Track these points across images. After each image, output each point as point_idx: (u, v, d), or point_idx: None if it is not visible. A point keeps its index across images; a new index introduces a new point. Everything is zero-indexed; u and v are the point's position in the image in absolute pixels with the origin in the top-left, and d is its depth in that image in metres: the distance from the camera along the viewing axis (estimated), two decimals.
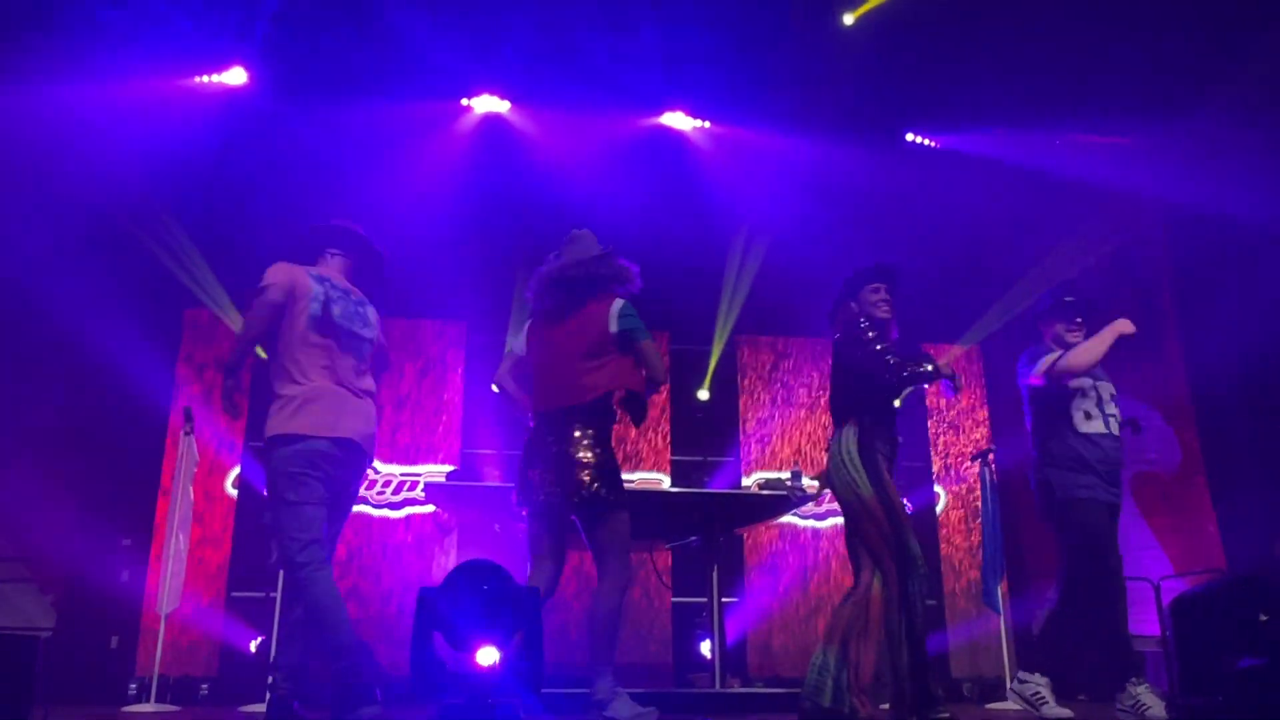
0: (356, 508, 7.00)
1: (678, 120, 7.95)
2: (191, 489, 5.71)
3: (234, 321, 6.99)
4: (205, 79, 7.24)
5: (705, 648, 6.36)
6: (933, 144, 8.22)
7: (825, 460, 3.81)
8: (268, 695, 3.55)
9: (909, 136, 8.21)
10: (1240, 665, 2.58)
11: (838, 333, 3.90)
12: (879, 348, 3.65)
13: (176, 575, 5.42)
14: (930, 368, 3.61)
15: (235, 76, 7.25)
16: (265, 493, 3.55)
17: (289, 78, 7.26)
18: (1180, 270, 8.70)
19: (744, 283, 7.79)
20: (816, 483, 4.42)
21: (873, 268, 3.93)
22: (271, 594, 5.52)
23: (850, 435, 3.69)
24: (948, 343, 8.11)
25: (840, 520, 4.03)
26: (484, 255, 7.22)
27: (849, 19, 7.15)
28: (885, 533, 3.55)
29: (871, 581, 3.57)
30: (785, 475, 5.76)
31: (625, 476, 7.35)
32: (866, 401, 3.72)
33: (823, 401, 7.67)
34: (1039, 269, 8.14)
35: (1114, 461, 4.22)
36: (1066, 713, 3.95)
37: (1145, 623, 7.41)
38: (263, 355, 3.79)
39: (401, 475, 7.18)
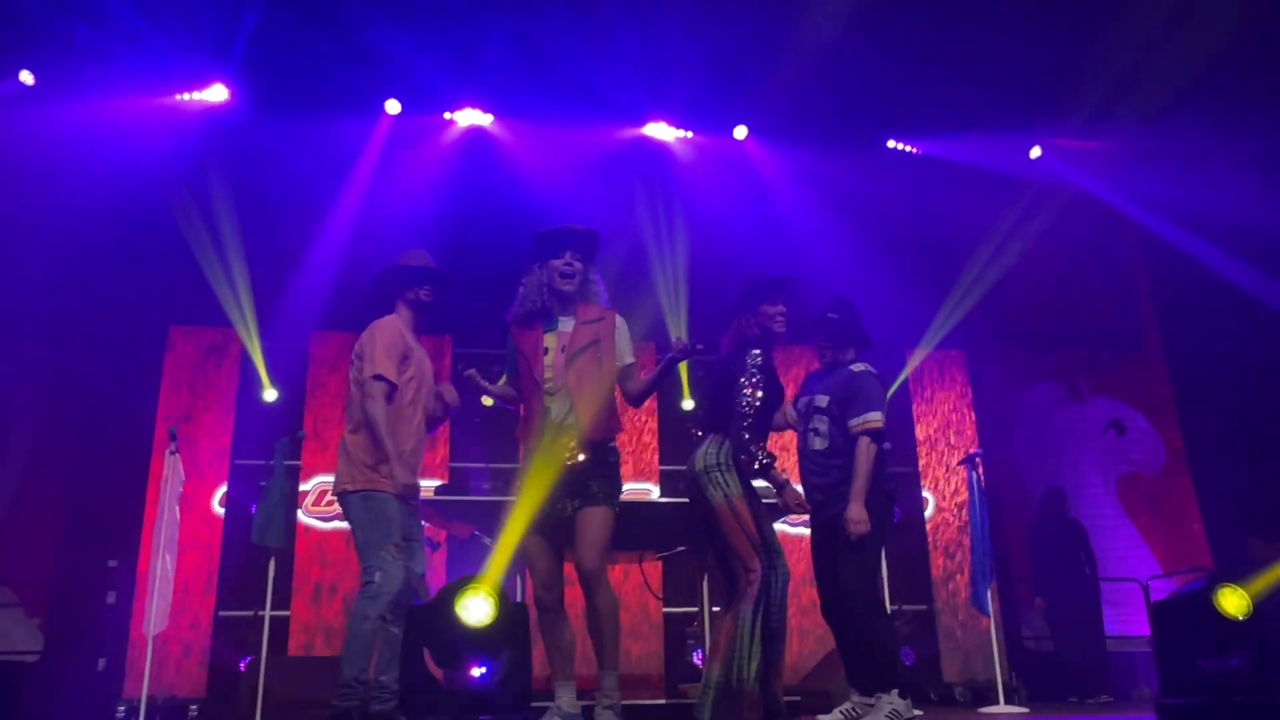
0: (342, 524, 7.00)
1: (660, 131, 7.97)
2: (177, 508, 5.66)
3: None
4: (186, 96, 7.23)
5: (697, 657, 6.35)
6: (914, 150, 8.26)
7: (690, 465, 3.80)
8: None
9: (890, 143, 8.25)
10: (1220, 666, 2.61)
11: (731, 343, 3.90)
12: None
13: (163, 596, 5.37)
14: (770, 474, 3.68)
15: (216, 94, 7.24)
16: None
17: (270, 94, 7.25)
18: (1159, 271, 8.78)
19: (725, 292, 7.79)
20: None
21: (773, 281, 3.97)
22: (260, 613, 5.49)
23: (727, 447, 3.71)
24: (930, 347, 8.13)
25: None
26: (469, 268, 7.22)
27: (827, 26, 7.19)
28: (751, 534, 3.62)
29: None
30: None
31: None
32: (751, 427, 3.72)
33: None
34: (1021, 272, 8.19)
35: (803, 476, 4.32)
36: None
37: (1135, 623, 7.45)
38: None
39: None
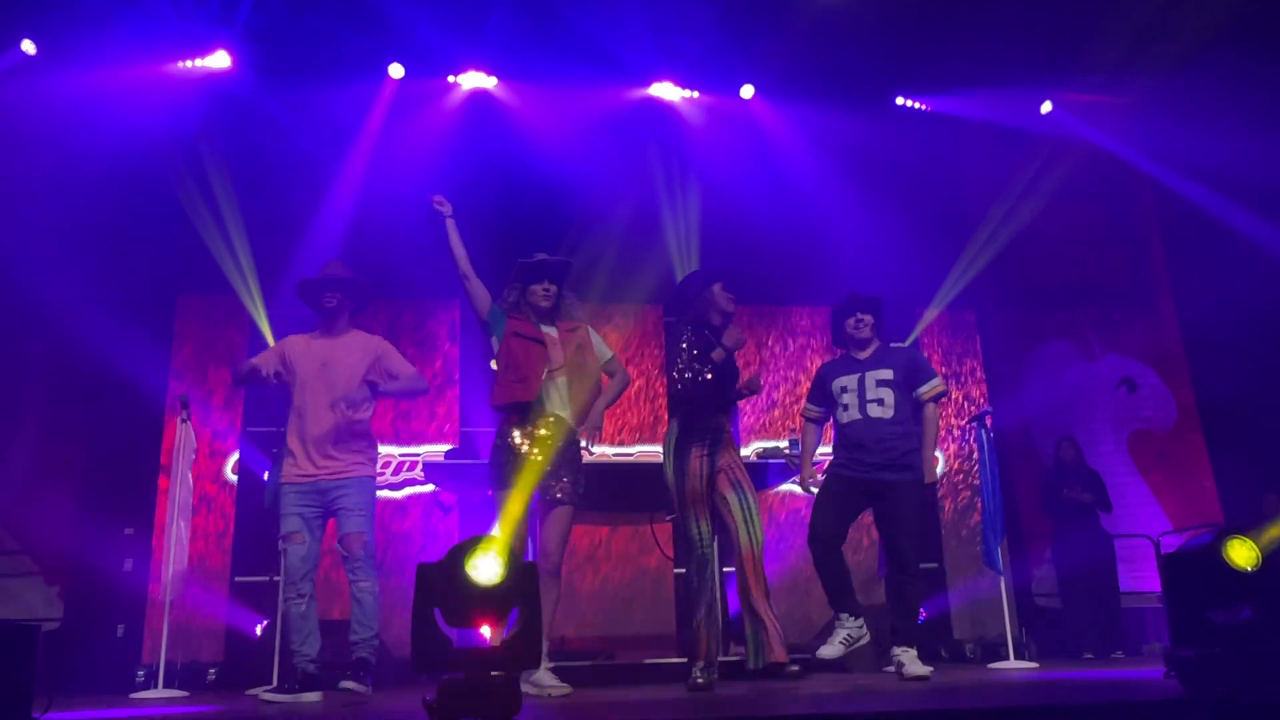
0: None
1: (666, 91, 7.89)
2: (190, 476, 5.71)
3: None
4: (188, 63, 7.19)
5: None
6: (923, 107, 8.17)
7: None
8: None
9: (899, 100, 8.15)
10: (1231, 618, 2.62)
11: (686, 327, 4.26)
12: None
13: (179, 562, 5.44)
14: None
15: (219, 60, 7.19)
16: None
17: (273, 60, 7.20)
18: (1170, 226, 8.69)
19: (736, 253, 7.75)
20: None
21: (719, 269, 4.43)
22: (275, 578, 5.54)
23: (674, 428, 4.18)
24: (941, 306, 8.09)
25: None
26: (474, 232, 7.18)
27: None
28: (679, 517, 4.12)
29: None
30: (784, 444, 5.77)
31: (625, 450, 7.46)
32: (692, 402, 4.16)
33: (812, 369, 7.68)
34: (1032, 229, 8.12)
35: (862, 442, 4.54)
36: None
37: (1146, 578, 7.47)
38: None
39: (401, 456, 7.19)
